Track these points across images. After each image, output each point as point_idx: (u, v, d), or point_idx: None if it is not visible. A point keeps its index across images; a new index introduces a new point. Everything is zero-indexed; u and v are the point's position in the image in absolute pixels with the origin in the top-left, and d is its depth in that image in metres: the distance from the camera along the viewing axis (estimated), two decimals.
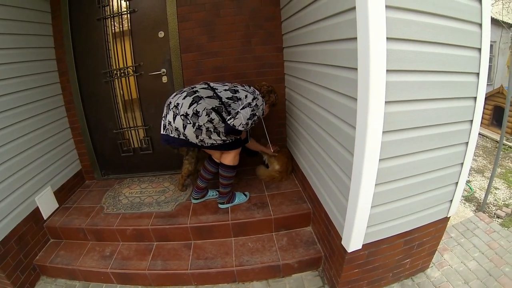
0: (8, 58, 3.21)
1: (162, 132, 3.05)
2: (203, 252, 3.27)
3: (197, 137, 2.89)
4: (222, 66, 3.99)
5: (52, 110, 3.92)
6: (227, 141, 3.06)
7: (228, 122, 2.87)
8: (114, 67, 4.13)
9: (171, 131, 2.96)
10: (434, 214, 2.62)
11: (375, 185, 2.07)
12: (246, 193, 3.79)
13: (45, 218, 3.62)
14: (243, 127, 2.90)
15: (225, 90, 3.00)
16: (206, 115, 2.81)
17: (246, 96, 3.01)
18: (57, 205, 3.86)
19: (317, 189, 3.10)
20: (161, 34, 3.95)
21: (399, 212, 2.38)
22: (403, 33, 1.77)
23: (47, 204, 3.67)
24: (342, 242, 2.44)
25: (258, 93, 3.16)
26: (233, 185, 3.71)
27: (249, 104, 2.95)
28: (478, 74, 2.15)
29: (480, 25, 2.04)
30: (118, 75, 4.16)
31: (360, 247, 2.38)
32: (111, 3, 3.91)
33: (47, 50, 3.88)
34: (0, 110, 3.07)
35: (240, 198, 3.65)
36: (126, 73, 4.14)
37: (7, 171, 3.10)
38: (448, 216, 2.73)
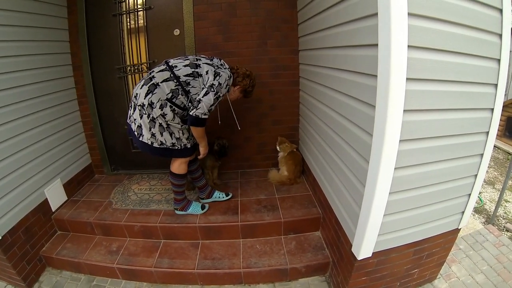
0: (24, 50, 3.23)
1: (127, 121, 3.02)
2: (210, 252, 3.27)
3: (150, 129, 2.85)
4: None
5: (64, 103, 3.94)
6: (176, 147, 3.02)
7: (191, 113, 2.81)
8: (128, 63, 4.16)
9: (131, 122, 2.94)
10: (445, 225, 2.60)
11: (389, 193, 2.05)
12: (222, 195, 3.81)
13: (53, 210, 3.65)
14: (206, 114, 2.84)
15: (185, 65, 2.87)
16: (159, 108, 2.78)
17: (207, 72, 2.87)
18: (65, 198, 3.89)
19: (328, 195, 3.08)
20: (176, 32, 3.96)
21: (411, 222, 2.36)
22: (424, 41, 1.75)
23: (56, 196, 3.68)
24: (352, 249, 2.42)
25: (227, 66, 3.09)
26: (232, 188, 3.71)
27: (212, 86, 2.82)
28: (496, 85, 2.13)
29: (500, 35, 2.02)
30: (132, 71, 4.18)
31: (370, 255, 2.36)
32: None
33: (62, 44, 3.90)
34: (14, 102, 3.09)
35: (194, 209, 3.57)
36: (140, 70, 4.16)
37: (18, 162, 3.12)
38: (459, 227, 2.71)
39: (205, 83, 2.85)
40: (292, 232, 3.45)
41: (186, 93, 2.84)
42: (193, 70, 2.85)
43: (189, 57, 2.99)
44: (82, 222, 3.56)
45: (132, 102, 2.89)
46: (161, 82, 2.78)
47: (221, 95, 2.90)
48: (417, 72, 1.78)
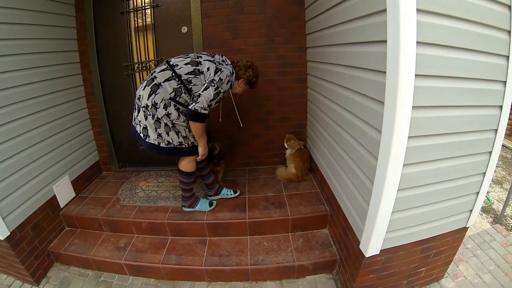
0: (33, 48, 3.26)
1: (132, 123, 3.03)
2: (218, 249, 3.28)
3: (155, 130, 2.86)
4: None
5: (72, 100, 3.97)
6: (183, 146, 3.03)
7: (190, 107, 2.77)
8: (136, 61, 4.17)
9: (136, 124, 2.96)
10: (453, 223, 2.59)
11: (398, 190, 2.05)
12: (229, 192, 3.81)
13: (61, 207, 3.68)
14: (205, 109, 2.79)
15: (186, 64, 2.85)
16: (163, 108, 2.77)
17: (208, 69, 2.84)
18: (74, 194, 3.92)
19: (336, 192, 3.09)
20: (184, 29, 3.96)
21: (419, 219, 2.35)
22: (433, 37, 1.74)
23: (64, 192, 3.71)
24: (360, 247, 2.42)
25: (229, 62, 3.04)
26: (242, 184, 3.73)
27: (212, 81, 2.79)
28: (505, 82, 2.11)
29: (509, 32, 2.00)
30: (140, 68, 4.19)
31: (378, 252, 2.36)
32: None
33: (70, 42, 3.93)
34: (23, 99, 3.12)
35: (202, 206, 3.58)
36: (148, 67, 4.17)
37: (27, 159, 3.15)
38: (467, 226, 2.69)
39: (206, 79, 2.83)
40: (299, 229, 3.45)
41: (189, 91, 2.83)
42: (194, 67, 2.83)
43: (190, 55, 2.97)
44: (90, 218, 3.59)
45: (136, 104, 2.90)
46: (163, 82, 2.78)
47: (221, 90, 2.85)
48: (425, 69, 1.78)
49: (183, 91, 2.81)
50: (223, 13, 3.87)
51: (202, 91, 2.76)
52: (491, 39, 1.96)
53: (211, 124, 3.44)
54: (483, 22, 1.88)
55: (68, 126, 3.85)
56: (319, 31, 3.28)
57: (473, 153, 2.26)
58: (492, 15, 1.90)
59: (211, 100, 2.78)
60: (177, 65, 2.84)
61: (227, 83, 2.89)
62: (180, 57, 2.94)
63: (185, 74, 2.80)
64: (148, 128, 2.87)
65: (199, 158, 3.21)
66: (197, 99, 2.75)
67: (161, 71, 2.84)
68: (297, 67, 4.08)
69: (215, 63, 2.88)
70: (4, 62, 2.91)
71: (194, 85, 2.82)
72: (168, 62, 2.89)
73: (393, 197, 2.06)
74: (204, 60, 2.88)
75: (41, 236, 3.32)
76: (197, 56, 2.94)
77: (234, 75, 3.02)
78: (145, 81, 2.86)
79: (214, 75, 2.81)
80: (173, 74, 2.80)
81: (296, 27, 3.92)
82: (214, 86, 2.78)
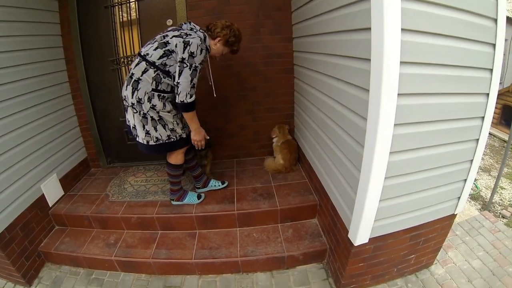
0: (16, 45, 3.21)
1: (127, 123, 3.03)
2: (207, 242, 3.27)
3: (143, 127, 2.87)
4: (230, 56, 3.61)
5: (58, 97, 3.92)
6: (172, 139, 3.02)
7: (177, 101, 2.76)
8: (122, 55, 4.13)
9: (129, 124, 2.98)
10: (442, 211, 2.60)
11: (385, 178, 2.05)
12: (217, 184, 3.82)
13: (50, 205, 3.64)
14: (191, 96, 2.76)
15: (155, 49, 2.74)
16: (148, 101, 2.77)
17: (176, 45, 2.70)
18: (62, 193, 3.88)
19: (324, 181, 3.09)
20: (169, 22, 3.93)
21: (407, 207, 2.36)
22: (418, 24, 1.74)
23: (52, 191, 3.68)
24: (349, 235, 2.43)
25: (197, 29, 2.89)
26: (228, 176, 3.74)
27: (183, 61, 2.69)
28: (491, 70, 2.12)
29: (495, 20, 2.00)
30: (126, 63, 4.15)
31: (366, 240, 2.37)
32: None
33: (54, 38, 3.87)
34: (7, 98, 3.07)
35: (191, 199, 3.58)
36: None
37: (13, 158, 3.11)
38: (455, 213, 2.72)
39: (177, 59, 2.73)
40: (288, 220, 3.46)
41: (167, 73, 2.77)
42: (164, 49, 2.73)
43: (156, 37, 2.87)
44: (79, 216, 3.57)
45: (124, 105, 2.92)
46: (141, 76, 2.74)
47: (197, 64, 2.74)
48: (411, 56, 1.77)
49: (161, 76, 2.76)
50: (209, 5, 3.84)
51: (179, 78, 2.70)
52: (478, 27, 1.96)
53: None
54: (470, 10, 1.88)
55: (55, 124, 3.81)
56: (305, 21, 3.26)
57: (460, 140, 2.27)
58: (479, 2, 1.90)
59: (191, 81, 2.73)
60: (147, 53, 2.77)
61: (200, 53, 2.76)
62: (148, 44, 2.85)
63: (157, 60, 2.73)
64: (137, 126, 2.88)
65: (193, 140, 3.10)
66: (178, 90, 2.71)
67: (136, 66, 2.79)
68: (283, 57, 4.08)
69: (182, 37, 2.75)
70: None
71: (170, 66, 2.76)
72: (139, 54, 2.84)
73: (380, 185, 2.07)
74: (170, 38, 2.76)
75: (31, 236, 3.29)
76: (163, 36, 2.82)
77: (207, 39, 2.92)
78: (126, 81, 2.84)
79: (183, 52, 2.69)
80: (147, 64, 2.75)
81: (282, 18, 3.90)
82: (187, 65, 2.70)
